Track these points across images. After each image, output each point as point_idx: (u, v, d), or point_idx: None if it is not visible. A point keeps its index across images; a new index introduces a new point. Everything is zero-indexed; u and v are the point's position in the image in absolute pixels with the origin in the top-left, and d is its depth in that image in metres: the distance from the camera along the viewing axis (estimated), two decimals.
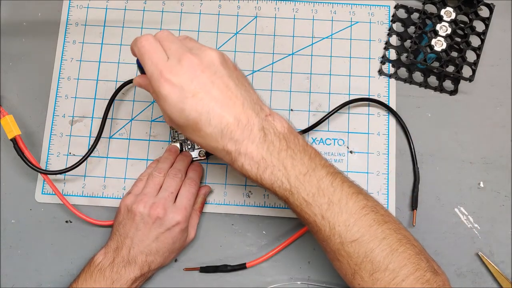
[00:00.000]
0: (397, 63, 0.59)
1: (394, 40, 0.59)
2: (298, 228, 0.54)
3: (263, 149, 0.41)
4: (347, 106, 0.57)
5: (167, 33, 0.44)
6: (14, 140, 0.51)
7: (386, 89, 0.58)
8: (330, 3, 0.60)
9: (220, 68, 0.42)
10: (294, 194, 0.42)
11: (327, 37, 0.59)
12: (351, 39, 0.59)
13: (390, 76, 0.58)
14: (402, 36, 0.59)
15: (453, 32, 0.56)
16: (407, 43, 0.59)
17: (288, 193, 0.42)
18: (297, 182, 0.41)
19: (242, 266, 0.53)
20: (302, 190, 0.41)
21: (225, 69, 0.42)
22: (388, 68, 0.59)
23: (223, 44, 0.59)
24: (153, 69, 0.41)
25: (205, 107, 0.40)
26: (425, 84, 0.58)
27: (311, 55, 0.59)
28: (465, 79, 0.56)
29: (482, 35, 0.57)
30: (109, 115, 0.56)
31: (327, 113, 0.56)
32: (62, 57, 0.59)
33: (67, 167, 0.53)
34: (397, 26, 0.60)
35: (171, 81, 0.40)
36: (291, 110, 0.57)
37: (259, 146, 0.41)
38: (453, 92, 0.58)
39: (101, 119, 0.55)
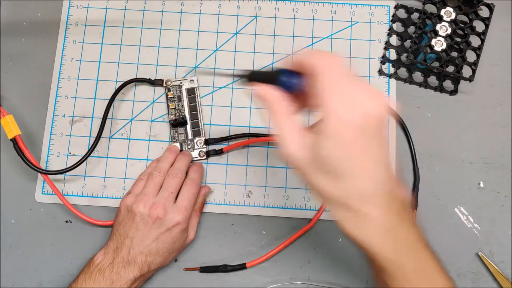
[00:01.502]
0: (397, 63, 0.59)
1: (394, 40, 0.59)
2: (298, 228, 0.54)
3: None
4: None
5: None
6: (14, 140, 0.51)
7: (386, 89, 0.58)
8: (330, 3, 0.60)
9: (378, 129, 0.36)
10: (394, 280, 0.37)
11: (327, 37, 0.59)
12: (351, 39, 0.59)
13: (390, 76, 0.58)
14: (402, 36, 0.59)
15: (453, 32, 0.56)
16: (407, 43, 0.59)
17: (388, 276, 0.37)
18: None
19: (242, 266, 0.53)
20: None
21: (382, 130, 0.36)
22: (388, 68, 0.59)
23: (223, 44, 0.59)
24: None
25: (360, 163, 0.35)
26: (425, 84, 0.58)
27: None
28: (465, 79, 0.56)
29: (482, 35, 0.57)
30: (109, 115, 0.56)
31: None
32: (62, 57, 0.59)
33: (67, 167, 0.53)
34: (397, 26, 0.60)
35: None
36: None
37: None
38: (453, 92, 0.58)
39: (101, 119, 0.55)
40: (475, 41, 0.57)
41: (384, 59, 0.59)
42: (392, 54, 0.59)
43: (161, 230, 0.49)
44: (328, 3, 0.60)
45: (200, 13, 0.60)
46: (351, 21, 0.60)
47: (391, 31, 0.59)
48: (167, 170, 0.52)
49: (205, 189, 0.54)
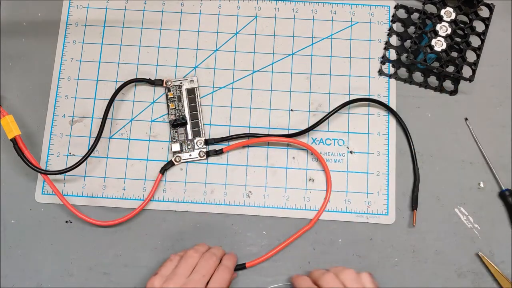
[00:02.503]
0: (397, 63, 0.59)
1: (394, 40, 0.59)
2: (298, 228, 0.54)
3: None
4: (347, 106, 0.57)
5: (336, 283, 0.46)
6: (14, 140, 0.51)
7: (386, 89, 0.58)
8: (330, 3, 0.60)
9: None
10: None
11: (327, 37, 0.59)
12: (351, 39, 0.59)
13: (390, 76, 0.58)
14: (402, 36, 0.59)
15: (453, 32, 0.56)
16: (407, 43, 0.59)
17: None
18: None
19: (242, 266, 0.53)
20: None
21: None
22: (388, 68, 0.59)
23: (223, 44, 0.59)
24: None
25: None
26: (425, 84, 0.58)
27: (311, 55, 0.59)
28: (465, 79, 0.56)
29: (482, 35, 0.57)
30: (109, 115, 0.56)
31: (327, 113, 0.56)
32: (62, 57, 0.59)
33: (67, 167, 0.53)
34: (397, 26, 0.60)
35: None
36: (291, 110, 0.57)
37: None
38: (453, 92, 0.58)
39: (101, 119, 0.55)
40: (475, 41, 0.57)
41: (384, 59, 0.59)
42: (392, 54, 0.59)
43: None
44: (328, 3, 0.60)
45: (200, 13, 0.60)
46: (351, 21, 0.60)
47: (391, 31, 0.59)
48: (203, 253, 0.50)
49: (233, 275, 0.52)
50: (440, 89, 0.58)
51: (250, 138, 0.56)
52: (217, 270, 0.49)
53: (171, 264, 0.49)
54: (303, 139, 0.57)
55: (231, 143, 0.56)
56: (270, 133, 0.57)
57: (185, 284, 0.46)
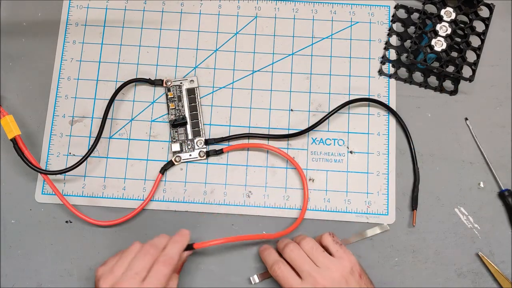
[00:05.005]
0: (397, 63, 0.59)
1: (394, 40, 0.59)
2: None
3: None
4: (347, 106, 0.57)
5: (297, 252, 0.48)
6: (14, 140, 0.51)
7: (386, 89, 0.58)
8: (330, 3, 0.60)
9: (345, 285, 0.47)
10: None
11: (327, 37, 0.59)
12: (351, 39, 0.59)
13: (390, 76, 0.58)
14: (402, 36, 0.59)
15: (453, 32, 0.56)
16: (407, 43, 0.59)
17: None
18: None
19: (190, 247, 0.49)
20: None
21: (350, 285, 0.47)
22: (388, 68, 0.59)
23: (223, 44, 0.59)
24: None
25: None
26: (425, 84, 0.58)
27: (311, 55, 0.59)
28: (465, 79, 0.56)
29: (482, 35, 0.57)
30: (109, 115, 0.56)
31: (327, 113, 0.56)
32: (62, 57, 0.59)
33: (67, 167, 0.53)
34: (397, 26, 0.60)
35: None
36: (291, 110, 0.57)
37: None
38: (453, 92, 0.58)
39: (101, 119, 0.55)
40: (475, 41, 0.57)
41: (384, 59, 0.59)
42: (392, 54, 0.59)
43: None
44: (328, 3, 0.60)
45: (200, 13, 0.60)
46: (351, 21, 0.60)
47: (391, 31, 0.59)
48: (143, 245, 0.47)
49: (187, 253, 0.50)
50: (440, 89, 0.58)
51: (250, 141, 0.56)
52: (155, 263, 0.45)
53: (114, 259, 0.47)
54: (303, 139, 0.57)
55: (231, 143, 0.56)
56: (270, 133, 0.57)
57: (117, 283, 0.44)
